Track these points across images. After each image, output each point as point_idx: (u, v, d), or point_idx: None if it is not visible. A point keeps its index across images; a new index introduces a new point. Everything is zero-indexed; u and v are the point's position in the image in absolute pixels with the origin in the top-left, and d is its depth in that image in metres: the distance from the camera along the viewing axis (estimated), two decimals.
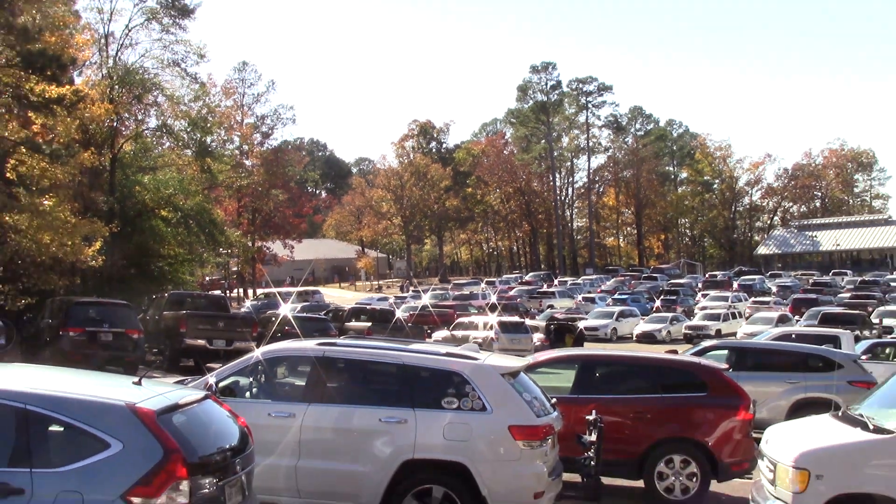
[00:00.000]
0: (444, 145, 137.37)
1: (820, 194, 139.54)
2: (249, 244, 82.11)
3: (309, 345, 11.44)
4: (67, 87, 27.31)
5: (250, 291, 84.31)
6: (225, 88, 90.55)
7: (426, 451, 10.03)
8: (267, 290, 71.61)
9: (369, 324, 39.15)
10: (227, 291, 79.09)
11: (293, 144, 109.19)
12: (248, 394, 11.09)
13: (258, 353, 11.30)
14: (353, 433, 10.36)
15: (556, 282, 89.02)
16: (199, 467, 7.12)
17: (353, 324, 39.73)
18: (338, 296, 79.57)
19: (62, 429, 6.98)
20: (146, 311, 33.78)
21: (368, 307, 50.07)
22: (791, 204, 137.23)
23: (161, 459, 6.82)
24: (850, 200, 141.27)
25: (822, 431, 10.08)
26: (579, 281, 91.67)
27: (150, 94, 44.26)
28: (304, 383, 10.90)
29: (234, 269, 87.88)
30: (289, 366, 11.58)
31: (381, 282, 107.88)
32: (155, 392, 7.63)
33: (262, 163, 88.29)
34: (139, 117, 46.36)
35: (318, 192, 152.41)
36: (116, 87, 41.62)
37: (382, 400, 10.49)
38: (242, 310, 50.49)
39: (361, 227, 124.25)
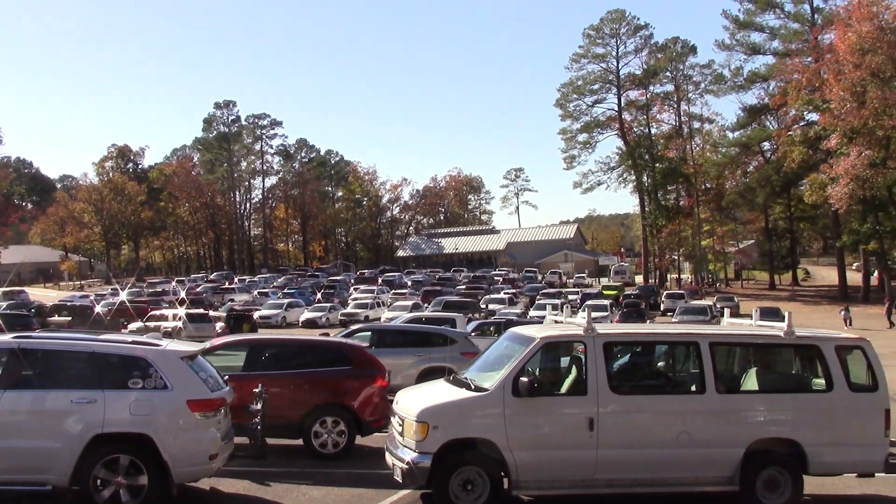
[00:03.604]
0: (140, 166, 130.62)
1: (443, 210, 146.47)
2: None
3: (5, 338, 10.40)
4: None
5: None
6: None
7: (114, 425, 9.49)
8: None
9: (70, 318, 36.42)
10: None
11: (0, 162, 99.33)
12: None
13: None
14: (46, 414, 9.55)
15: (235, 280, 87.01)
16: None
17: (56, 318, 36.84)
18: (42, 295, 73.03)
19: None
20: None
21: (69, 304, 46.50)
22: (422, 217, 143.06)
23: None
24: (465, 215, 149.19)
25: (438, 392, 10.48)
26: (256, 279, 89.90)
27: None
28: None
29: None
30: None
31: (83, 282, 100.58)
32: None
33: None
34: None
35: (24, 204, 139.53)
36: None
37: (75, 383, 9.70)
38: None
39: (65, 235, 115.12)
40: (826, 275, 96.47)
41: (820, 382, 10.74)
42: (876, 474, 10.93)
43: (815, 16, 74.59)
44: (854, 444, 10.48)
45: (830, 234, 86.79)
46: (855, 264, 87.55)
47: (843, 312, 50.47)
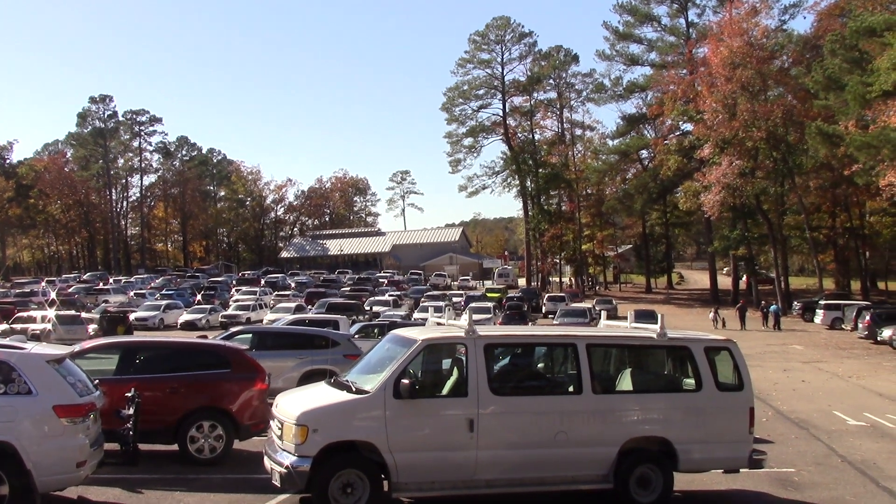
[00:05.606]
0: (8, 161, 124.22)
1: (329, 211, 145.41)
2: None
3: None
4: None
5: None
6: None
7: None
8: None
9: None
10: None
11: None
12: None
13: None
14: None
15: (111, 280, 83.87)
16: None
17: None
18: None
19: None
20: None
21: None
22: (307, 218, 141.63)
23: None
24: (351, 216, 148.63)
25: (319, 395, 10.36)
26: (132, 279, 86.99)
27: None
28: None
29: None
30: None
31: None
32: None
33: None
34: None
35: None
36: None
37: None
38: None
39: None
40: (699, 279, 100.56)
41: (690, 382, 11.13)
42: (741, 470, 11.42)
43: (690, 30, 77.79)
44: (721, 442, 10.92)
45: (703, 239, 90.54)
46: (725, 269, 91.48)
47: (712, 314, 52.83)
